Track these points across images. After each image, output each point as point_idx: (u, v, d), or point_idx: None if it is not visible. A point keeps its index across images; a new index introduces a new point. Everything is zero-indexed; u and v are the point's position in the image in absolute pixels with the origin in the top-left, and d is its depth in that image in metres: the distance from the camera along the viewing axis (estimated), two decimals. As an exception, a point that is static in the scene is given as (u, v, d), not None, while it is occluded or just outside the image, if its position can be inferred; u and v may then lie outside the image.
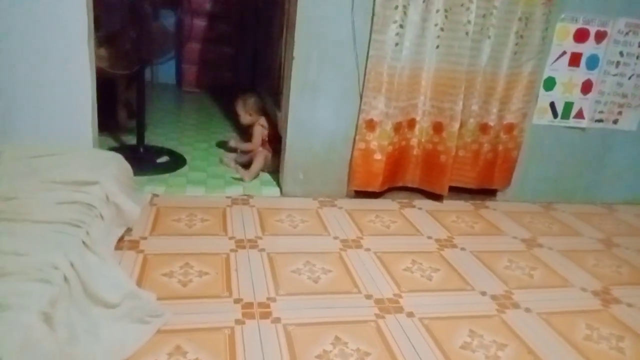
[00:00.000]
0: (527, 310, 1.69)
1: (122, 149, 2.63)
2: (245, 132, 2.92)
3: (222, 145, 3.03)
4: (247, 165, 2.62)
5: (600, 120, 2.68)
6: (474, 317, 1.61)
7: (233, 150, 2.84)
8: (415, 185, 2.57)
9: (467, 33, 2.26)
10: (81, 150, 1.97)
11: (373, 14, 2.17)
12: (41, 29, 1.91)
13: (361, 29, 2.20)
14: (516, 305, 1.71)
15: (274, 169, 2.62)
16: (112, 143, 2.83)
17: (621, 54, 2.57)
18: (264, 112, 2.77)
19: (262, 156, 2.60)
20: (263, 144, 2.70)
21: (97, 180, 1.64)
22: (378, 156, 2.36)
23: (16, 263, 1.13)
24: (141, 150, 2.65)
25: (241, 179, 2.51)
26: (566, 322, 1.64)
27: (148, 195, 2.18)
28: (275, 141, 2.63)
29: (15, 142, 1.92)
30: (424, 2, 2.19)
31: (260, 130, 2.70)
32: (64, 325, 1.09)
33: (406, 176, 2.55)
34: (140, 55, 2.46)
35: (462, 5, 2.23)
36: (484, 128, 2.49)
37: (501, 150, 2.55)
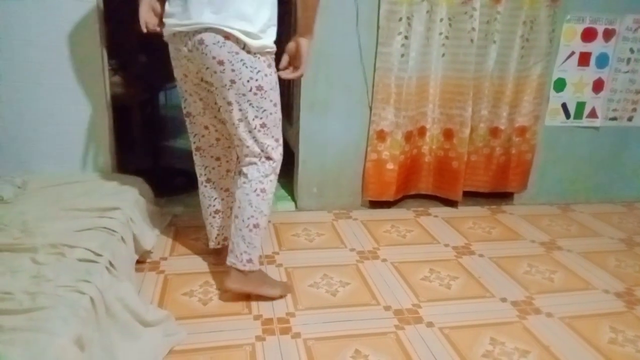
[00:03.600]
0: (549, 315, 1.67)
1: (138, 172, 2.69)
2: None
3: None
4: None
5: (614, 119, 2.66)
6: (495, 325, 1.60)
7: None
8: (429, 192, 2.58)
9: (472, 40, 2.28)
10: (102, 176, 2.03)
11: (378, 27, 2.20)
12: (58, 60, 1.99)
13: (367, 42, 2.23)
14: (537, 311, 1.69)
15: None
16: (129, 167, 2.89)
17: (631, 50, 2.55)
18: None
19: None
20: None
21: (118, 206, 1.69)
22: (390, 166, 2.38)
23: (45, 289, 1.17)
24: (158, 172, 2.71)
25: None
26: (589, 326, 1.62)
27: (167, 218, 2.23)
28: None
29: (39, 171, 1.99)
30: (427, 12, 2.22)
31: None
32: (91, 348, 1.13)
33: (419, 184, 2.56)
34: (152, 82, 2.53)
35: (465, 13, 2.25)
36: (494, 132, 2.49)
37: (514, 154, 2.54)
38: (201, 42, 1.41)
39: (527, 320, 1.63)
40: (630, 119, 2.68)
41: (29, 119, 2.02)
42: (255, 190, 1.55)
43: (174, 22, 1.45)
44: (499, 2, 2.26)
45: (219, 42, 1.40)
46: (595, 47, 2.51)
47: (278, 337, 1.47)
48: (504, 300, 1.75)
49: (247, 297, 1.64)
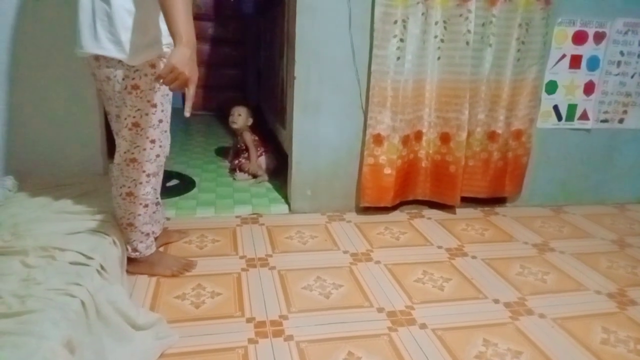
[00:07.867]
0: (542, 316, 1.68)
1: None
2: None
3: (221, 152, 3.39)
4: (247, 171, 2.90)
5: (605, 121, 2.68)
6: (487, 326, 1.60)
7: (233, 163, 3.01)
8: (426, 198, 2.54)
9: (467, 43, 2.28)
10: (94, 178, 2.02)
11: (372, 30, 2.20)
12: (50, 63, 1.98)
13: (360, 45, 2.24)
14: (530, 312, 1.70)
15: (275, 167, 2.90)
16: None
17: (622, 53, 2.58)
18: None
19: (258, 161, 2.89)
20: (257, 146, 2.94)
21: (109, 209, 1.68)
22: (388, 170, 2.36)
23: (34, 292, 1.16)
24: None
25: (265, 180, 2.83)
26: (582, 327, 1.63)
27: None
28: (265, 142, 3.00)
29: (30, 174, 1.98)
30: (422, 14, 2.22)
31: (251, 137, 2.91)
32: (81, 352, 1.11)
33: (417, 189, 2.52)
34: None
35: (460, 15, 2.26)
36: (492, 136, 2.49)
37: (511, 158, 2.54)
38: None
39: (520, 321, 1.64)
40: (621, 121, 2.70)
41: (20, 121, 2.01)
42: (121, 195, 1.61)
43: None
44: (494, 4, 2.27)
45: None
46: (586, 50, 2.54)
47: (271, 340, 1.46)
48: (496, 301, 1.76)
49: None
